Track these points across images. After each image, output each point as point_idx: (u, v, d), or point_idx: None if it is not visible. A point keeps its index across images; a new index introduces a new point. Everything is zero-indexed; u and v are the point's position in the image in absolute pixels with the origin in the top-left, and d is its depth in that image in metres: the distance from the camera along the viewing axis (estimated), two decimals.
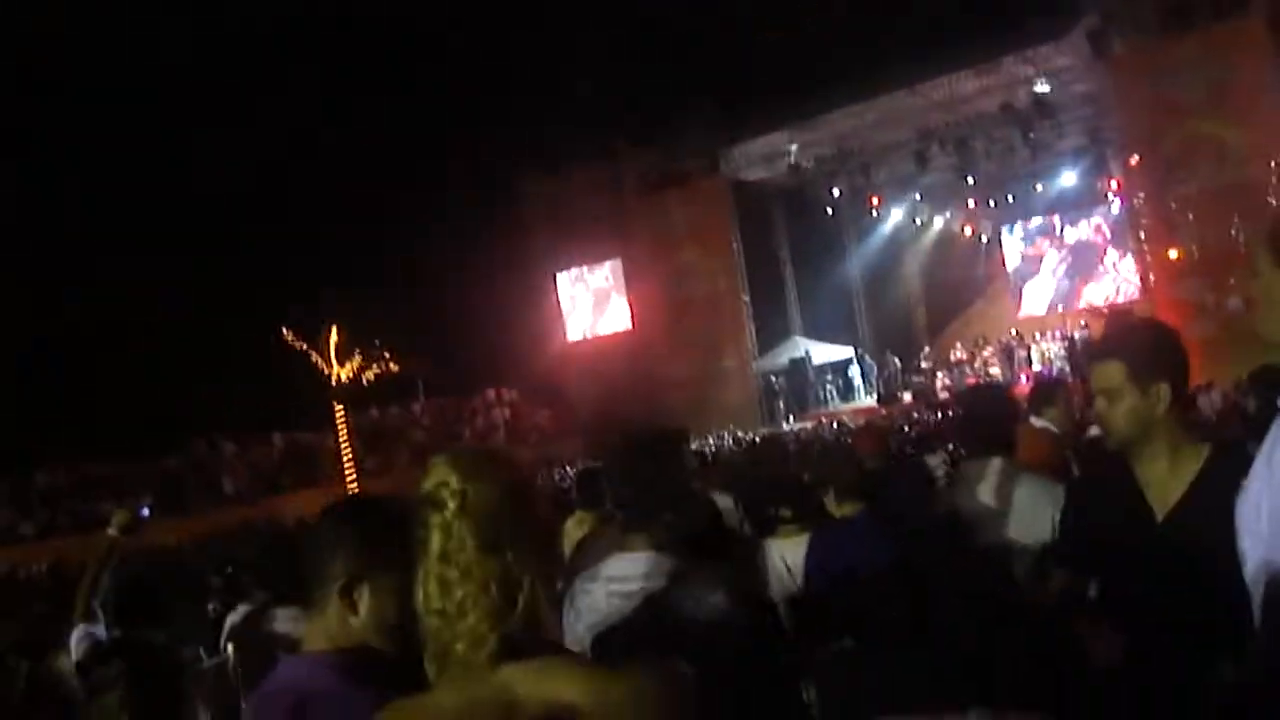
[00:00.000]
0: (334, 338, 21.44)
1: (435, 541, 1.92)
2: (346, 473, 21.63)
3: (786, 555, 5.36)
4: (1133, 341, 3.36)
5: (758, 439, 17.64)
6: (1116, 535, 3.31)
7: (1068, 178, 27.58)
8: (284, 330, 20.83)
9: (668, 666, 2.10)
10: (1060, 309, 30.07)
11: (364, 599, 2.32)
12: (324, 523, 2.44)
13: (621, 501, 3.76)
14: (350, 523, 2.40)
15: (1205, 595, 2.75)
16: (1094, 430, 6.40)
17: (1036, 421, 6.26)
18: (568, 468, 19.31)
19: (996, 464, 4.92)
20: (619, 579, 3.22)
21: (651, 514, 3.28)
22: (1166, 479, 3.24)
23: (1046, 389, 7.11)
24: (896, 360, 29.63)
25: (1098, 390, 3.28)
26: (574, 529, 5.45)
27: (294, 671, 2.40)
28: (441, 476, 1.95)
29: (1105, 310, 26.70)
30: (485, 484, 1.96)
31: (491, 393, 29.84)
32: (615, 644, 3.00)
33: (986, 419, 5.25)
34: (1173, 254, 19.89)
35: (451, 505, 1.93)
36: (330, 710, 2.25)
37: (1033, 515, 4.45)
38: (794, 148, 26.14)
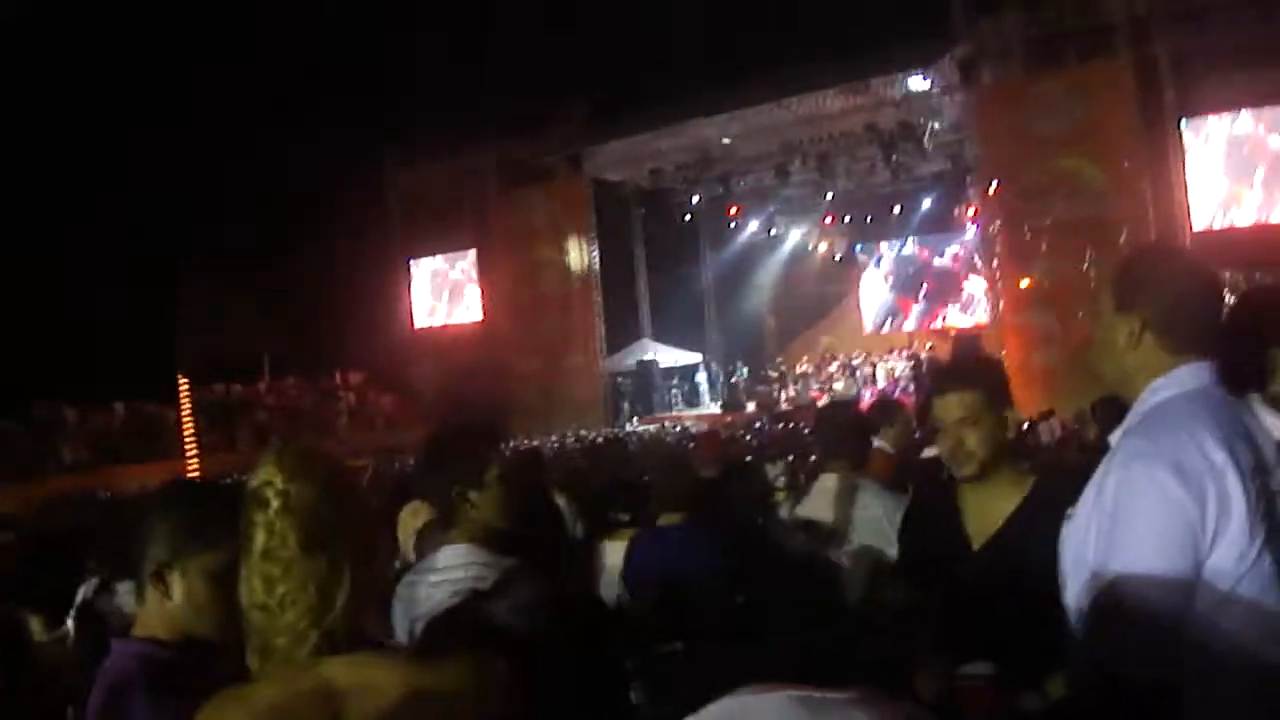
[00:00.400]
0: (184, 310, 21.02)
1: (259, 539, 1.95)
2: (187, 447, 21.16)
3: (611, 553, 5.41)
4: (989, 372, 3.49)
5: (600, 439, 17.61)
6: (937, 559, 3.40)
7: (926, 201, 28.07)
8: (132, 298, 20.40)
9: (483, 659, 2.10)
10: (908, 330, 30.66)
11: (176, 584, 2.35)
12: (144, 505, 2.48)
13: (428, 494, 3.84)
14: (165, 508, 2.42)
15: (1021, 619, 2.82)
16: (929, 451, 6.55)
17: (874, 440, 6.42)
18: (410, 456, 19.09)
19: (842, 477, 5.03)
20: (442, 570, 3.32)
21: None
22: (991, 506, 3.34)
23: (887, 408, 7.31)
24: (743, 369, 29.94)
25: (953, 418, 3.37)
26: (409, 518, 5.37)
27: (117, 655, 2.40)
28: (267, 475, 1.98)
29: (951, 333, 27.27)
30: (308, 484, 1.98)
31: (339, 375, 29.44)
32: (436, 636, 3.04)
33: (843, 432, 5.38)
34: (1024, 283, 20.32)
35: (275, 504, 1.96)
36: (138, 701, 2.26)
37: (875, 528, 4.57)
38: (658, 152, 26.20)
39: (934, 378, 3.72)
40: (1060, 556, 2.59)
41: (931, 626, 3.34)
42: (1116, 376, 2.57)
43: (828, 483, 5.09)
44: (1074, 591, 2.50)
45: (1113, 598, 2.31)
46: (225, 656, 2.15)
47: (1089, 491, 2.48)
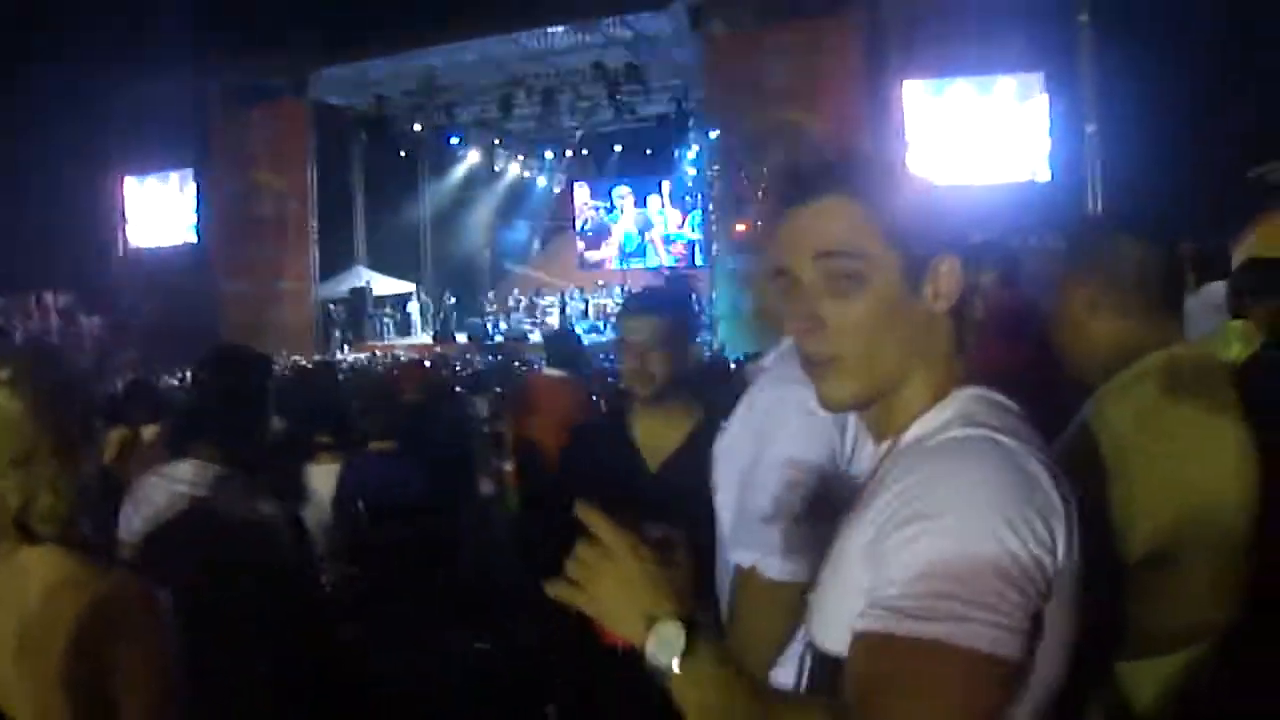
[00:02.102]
0: None
1: None
2: None
3: (319, 481, 5.43)
4: (671, 301, 3.61)
5: (309, 364, 17.32)
6: (613, 476, 3.52)
7: (647, 143, 28.37)
8: None
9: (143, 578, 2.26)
10: (621, 267, 31.01)
11: None
12: None
13: (187, 410, 3.86)
14: None
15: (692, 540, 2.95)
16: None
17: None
18: (118, 378, 18.41)
19: None
20: (177, 480, 3.31)
21: (204, 426, 3.45)
22: (666, 432, 3.48)
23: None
24: (456, 300, 29.84)
25: (638, 339, 3.49)
26: (115, 439, 5.26)
27: None
28: None
29: (664, 273, 27.72)
30: (17, 393, 2.14)
31: (48, 295, 28.07)
32: (161, 541, 3.25)
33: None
34: (739, 228, 20.72)
35: None
36: None
37: None
38: (382, 78, 25.80)
39: (626, 300, 3.83)
40: (712, 468, 2.74)
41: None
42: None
43: None
44: (722, 500, 2.66)
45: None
46: None
47: (740, 407, 2.62)
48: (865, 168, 1.70)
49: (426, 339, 27.95)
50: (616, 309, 26.08)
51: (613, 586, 1.59)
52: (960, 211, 1.75)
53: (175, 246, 28.45)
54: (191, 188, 28.33)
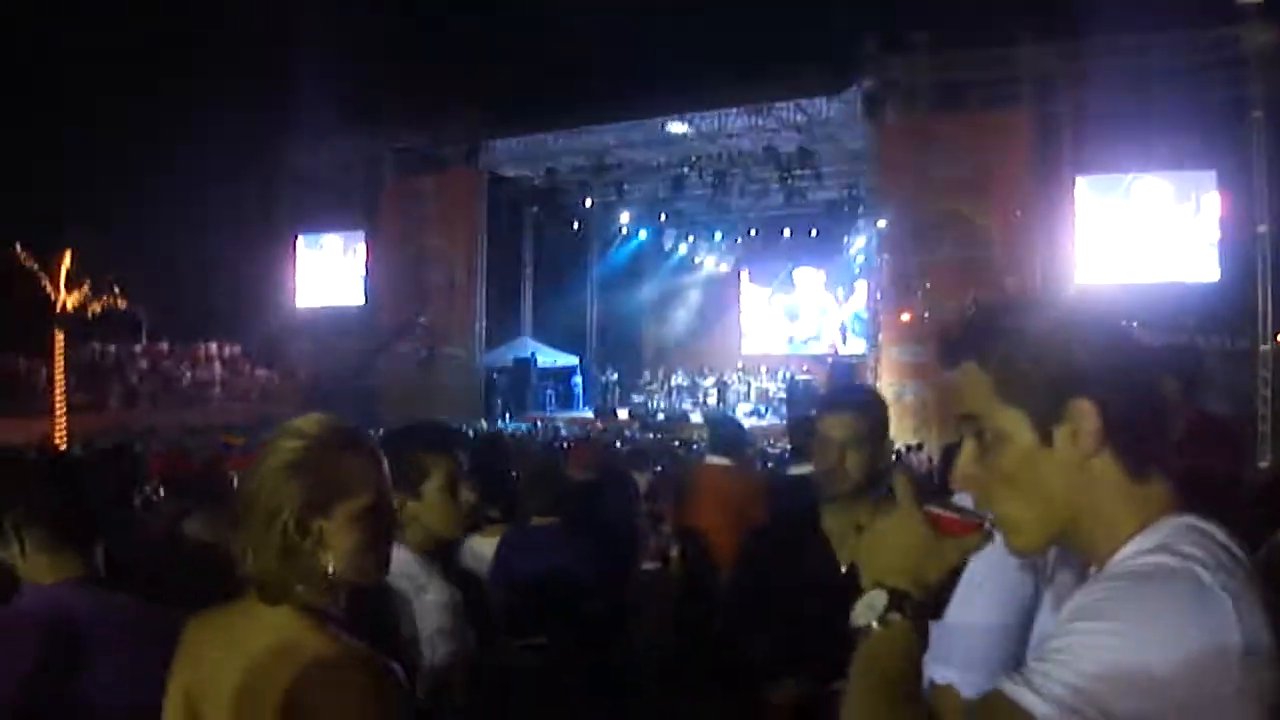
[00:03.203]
0: (66, 264, 20.54)
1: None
2: (57, 405, 20.63)
3: (482, 550, 5.48)
4: (871, 400, 3.61)
5: (480, 435, 17.55)
6: (804, 578, 3.50)
7: (816, 228, 28.32)
8: (16, 247, 19.89)
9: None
10: (783, 353, 30.94)
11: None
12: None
13: None
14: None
15: None
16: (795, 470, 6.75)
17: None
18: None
19: None
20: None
21: None
22: (856, 530, 3.46)
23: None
24: (618, 376, 30.02)
25: (837, 437, 3.49)
26: None
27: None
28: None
29: (829, 360, 27.55)
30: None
31: (214, 345, 28.97)
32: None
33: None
34: (905, 317, 20.57)
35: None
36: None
37: None
38: (555, 151, 26.19)
39: (824, 397, 3.86)
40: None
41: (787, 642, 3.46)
42: None
43: None
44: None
45: None
46: None
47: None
48: (990, 327, 1.77)
49: (588, 413, 28.10)
50: (780, 391, 26.15)
51: (884, 539, 1.79)
52: (1118, 313, 1.80)
53: (343, 306, 29.10)
54: (362, 249, 28.98)
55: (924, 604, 1.76)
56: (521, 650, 4.40)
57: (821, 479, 3.58)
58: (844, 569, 3.48)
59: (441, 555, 3.37)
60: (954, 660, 2.43)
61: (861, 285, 28.00)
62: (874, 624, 1.71)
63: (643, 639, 6.18)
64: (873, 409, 3.57)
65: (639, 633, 6.15)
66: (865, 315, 26.29)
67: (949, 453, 7.26)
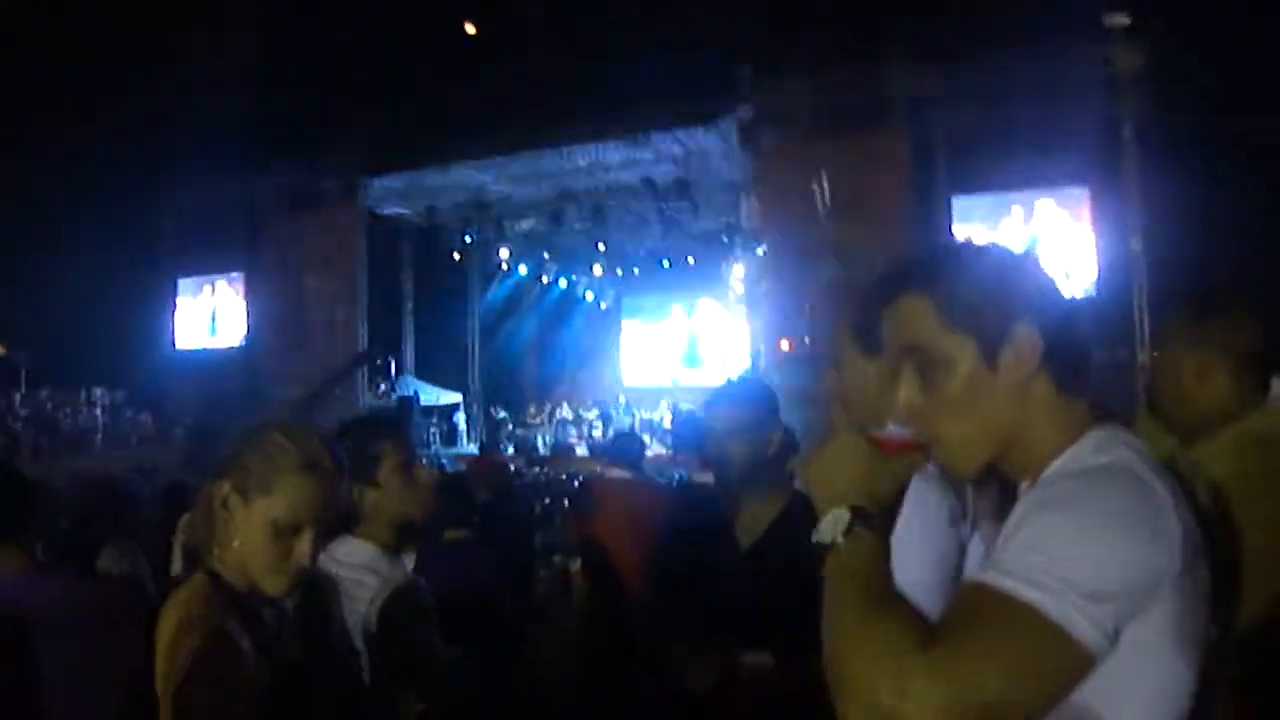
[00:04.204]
0: None
1: None
2: None
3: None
4: (753, 391, 3.80)
5: None
6: (710, 560, 3.68)
7: (695, 259, 28.60)
8: None
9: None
10: (668, 383, 31.16)
11: None
12: None
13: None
14: None
15: (784, 613, 3.05)
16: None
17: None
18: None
19: None
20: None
21: None
22: (757, 514, 3.64)
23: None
24: (503, 412, 29.99)
25: (722, 430, 3.68)
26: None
27: None
28: None
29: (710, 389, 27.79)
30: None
31: (97, 390, 28.46)
32: None
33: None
34: (784, 345, 20.74)
35: None
36: None
37: None
38: (434, 189, 26.14)
39: (712, 395, 4.00)
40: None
41: (701, 622, 3.61)
42: (865, 410, 2.85)
43: None
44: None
45: None
46: None
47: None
48: (933, 263, 1.92)
49: (473, 450, 28.00)
50: (665, 422, 26.28)
51: (833, 463, 1.91)
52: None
53: (225, 349, 28.72)
54: (242, 290, 28.63)
55: (884, 520, 1.84)
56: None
57: (713, 471, 3.78)
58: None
59: (410, 545, 3.43)
60: None
61: (742, 313, 28.30)
62: (839, 539, 1.80)
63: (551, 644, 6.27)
64: (754, 399, 3.77)
65: (547, 638, 6.24)
66: (750, 344, 26.59)
67: None
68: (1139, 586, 1.58)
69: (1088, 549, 1.58)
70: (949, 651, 1.55)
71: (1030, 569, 1.58)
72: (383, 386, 28.37)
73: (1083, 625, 1.54)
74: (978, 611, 1.60)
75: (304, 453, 2.47)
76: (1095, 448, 1.77)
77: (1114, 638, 1.58)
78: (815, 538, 1.85)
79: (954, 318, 1.82)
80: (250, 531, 2.43)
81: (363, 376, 26.85)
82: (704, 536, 3.82)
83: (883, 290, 1.94)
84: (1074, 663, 1.57)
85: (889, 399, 2.13)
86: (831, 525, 1.82)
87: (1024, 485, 1.85)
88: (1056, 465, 1.79)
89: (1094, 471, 1.71)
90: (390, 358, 27.45)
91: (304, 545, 2.45)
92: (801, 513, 3.09)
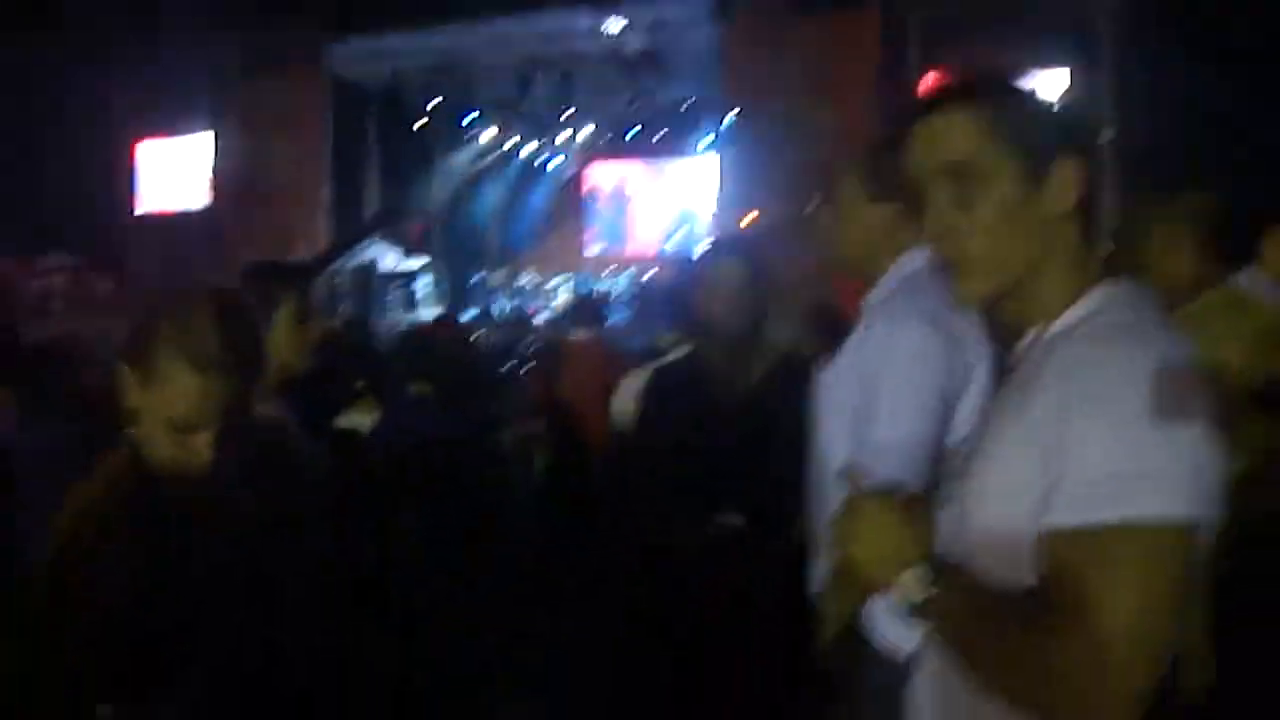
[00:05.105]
0: None
1: None
2: None
3: (359, 422, 5.65)
4: (755, 250, 3.85)
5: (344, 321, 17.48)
6: (692, 417, 3.73)
7: (664, 130, 28.40)
8: None
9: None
10: (630, 252, 31.10)
11: None
12: None
13: None
14: None
15: (766, 474, 3.11)
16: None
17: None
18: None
19: None
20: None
21: None
22: (741, 373, 3.71)
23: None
24: (466, 279, 29.89)
25: (716, 288, 3.71)
26: None
27: None
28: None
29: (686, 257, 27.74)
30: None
31: (53, 258, 28.08)
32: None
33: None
34: (746, 219, 20.69)
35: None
36: None
37: None
38: (400, 52, 25.74)
39: (713, 245, 4.07)
40: (818, 401, 2.85)
41: (671, 482, 3.64)
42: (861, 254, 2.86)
43: None
44: (831, 436, 2.77)
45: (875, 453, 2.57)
46: None
47: (849, 343, 2.75)
48: (982, 81, 1.92)
49: (435, 313, 27.92)
50: (626, 291, 26.28)
51: (873, 535, 1.81)
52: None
53: (186, 211, 28.42)
54: (206, 153, 28.25)
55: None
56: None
57: (704, 331, 3.79)
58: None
59: (373, 398, 3.51)
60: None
61: (708, 187, 28.17)
62: (929, 592, 1.79)
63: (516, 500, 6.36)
64: (752, 257, 3.81)
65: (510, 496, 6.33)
66: (711, 217, 26.53)
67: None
68: (1201, 449, 1.59)
69: (1151, 432, 1.57)
70: (1109, 620, 1.53)
71: (1105, 485, 1.57)
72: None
73: (1180, 502, 1.56)
74: (1090, 561, 1.57)
75: (227, 302, 2.48)
76: (1106, 306, 1.80)
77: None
78: (900, 602, 1.81)
79: (1004, 133, 1.82)
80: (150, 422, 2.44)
81: (326, 239, 26.64)
82: (675, 394, 3.84)
83: (925, 105, 1.94)
84: (1193, 545, 1.60)
85: (894, 241, 2.20)
86: (912, 587, 1.78)
87: (1032, 332, 1.91)
88: (1061, 322, 1.83)
89: (1114, 334, 1.72)
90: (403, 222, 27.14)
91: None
92: (790, 373, 3.17)
